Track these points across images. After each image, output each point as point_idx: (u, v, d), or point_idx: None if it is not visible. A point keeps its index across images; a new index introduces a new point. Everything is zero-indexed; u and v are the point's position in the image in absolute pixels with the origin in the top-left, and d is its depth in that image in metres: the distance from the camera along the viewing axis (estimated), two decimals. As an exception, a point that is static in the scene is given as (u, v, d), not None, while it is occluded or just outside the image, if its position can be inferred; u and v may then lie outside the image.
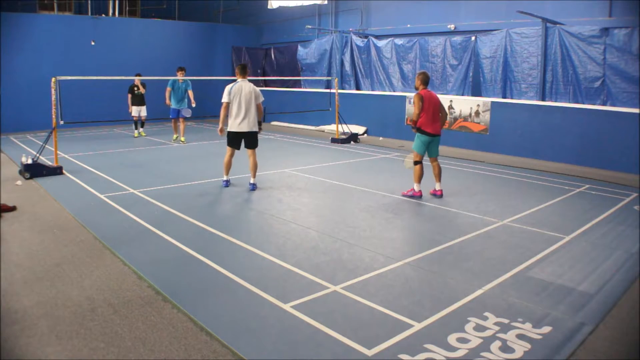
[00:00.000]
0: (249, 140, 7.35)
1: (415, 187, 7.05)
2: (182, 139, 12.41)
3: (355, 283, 4.12)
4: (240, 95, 7.13)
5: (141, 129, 13.72)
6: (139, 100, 12.95)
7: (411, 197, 7.06)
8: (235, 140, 7.34)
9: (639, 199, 7.30)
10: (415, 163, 7.01)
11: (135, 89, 12.88)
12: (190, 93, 12.20)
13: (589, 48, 10.25)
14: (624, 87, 9.89)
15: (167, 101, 12.02)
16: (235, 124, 7.22)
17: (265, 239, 5.33)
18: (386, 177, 8.56)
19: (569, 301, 3.88)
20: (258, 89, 7.37)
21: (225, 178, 7.67)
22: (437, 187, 7.20)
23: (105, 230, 5.44)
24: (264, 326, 3.42)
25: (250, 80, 7.41)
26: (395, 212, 6.43)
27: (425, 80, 6.94)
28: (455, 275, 4.34)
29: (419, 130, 6.94)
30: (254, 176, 7.47)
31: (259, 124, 7.48)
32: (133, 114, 13.00)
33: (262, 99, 7.38)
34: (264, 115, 18.83)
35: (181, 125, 12.39)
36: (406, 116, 13.38)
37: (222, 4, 19.84)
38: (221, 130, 7.52)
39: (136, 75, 12.65)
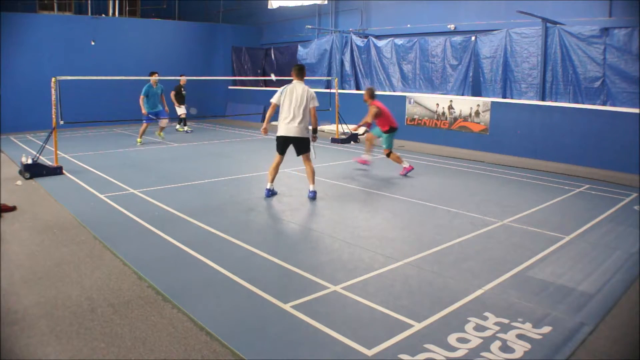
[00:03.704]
0: (299, 146, 6.77)
1: (405, 164, 8.52)
2: (162, 134, 12.82)
3: (355, 283, 4.12)
4: (291, 97, 6.60)
5: (186, 127, 14.59)
6: (183, 98, 13.92)
7: (408, 172, 8.49)
8: (281, 145, 6.79)
9: (639, 199, 7.29)
10: (388, 155, 8.65)
11: (182, 89, 13.84)
12: (162, 97, 12.26)
13: (589, 48, 10.24)
14: (624, 87, 9.88)
15: (143, 110, 11.72)
16: (283, 128, 6.69)
17: (265, 239, 5.33)
18: (385, 178, 8.56)
19: (569, 301, 3.88)
20: (314, 91, 6.81)
21: (268, 186, 6.92)
22: (375, 153, 9.39)
23: (105, 230, 5.44)
24: (264, 326, 3.42)
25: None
26: (395, 212, 6.43)
27: (373, 95, 8.70)
28: (455, 275, 4.34)
29: (391, 129, 8.63)
30: (312, 182, 6.87)
31: (314, 131, 6.86)
32: (180, 112, 13.97)
33: (316, 103, 6.75)
34: (265, 115, 18.69)
35: (162, 123, 12.59)
36: (406, 116, 13.40)
37: (222, 4, 19.85)
38: (264, 130, 6.92)
39: (181, 75, 13.70)
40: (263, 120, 17.37)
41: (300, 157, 6.96)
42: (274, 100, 6.71)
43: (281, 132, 6.73)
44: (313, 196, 6.88)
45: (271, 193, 6.96)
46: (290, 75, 7.03)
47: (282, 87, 6.77)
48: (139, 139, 12.11)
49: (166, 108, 12.38)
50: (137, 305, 3.69)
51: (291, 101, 6.62)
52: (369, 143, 9.21)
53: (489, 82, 12.07)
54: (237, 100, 18.87)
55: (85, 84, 13.72)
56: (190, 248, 4.88)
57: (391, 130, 8.65)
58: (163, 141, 12.54)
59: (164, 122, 12.56)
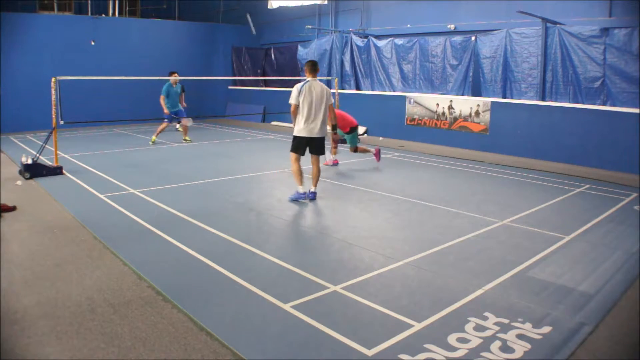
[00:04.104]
0: (316, 146, 6.68)
1: (372, 150, 9.48)
2: (188, 138, 12.54)
3: (355, 283, 4.12)
4: (311, 96, 6.43)
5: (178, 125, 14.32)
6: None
7: (379, 155, 9.42)
8: (301, 145, 6.64)
9: (639, 199, 7.30)
10: (355, 150, 9.41)
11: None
12: (182, 95, 12.38)
13: (589, 48, 10.24)
14: (624, 87, 9.87)
15: (165, 109, 11.85)
16: (305, 128, 6.51)
17: (265, 239, 5.33)
18: (386, 177, 8.56)
19: (569, 301, 3.88)
20: (329, 89, 6.73)
21: (301, 190, 6.70)
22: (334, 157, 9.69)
23: (105, 230, 5.44)
24: (264, 326, 3.42)
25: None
26: (395, 212, 6.43)
27: None
28: (455, 275, 4.34)
29: (351, 130, 9.19)
30: (315, 184, 6.85)
31: (334, 127, 6.96)
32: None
33: (332, 99, 6.71)
34: (265, 115, 18.74)
35: (184, 125, 12.57)
36: (406, 116, 13.39)
37: (222, 4, 19.84)
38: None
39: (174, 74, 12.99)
40: (263, 121, 17.52)
41: (307, 157, 6.88)
42: (293, 101, 6.49)
43: (304, 133, 6.55)
44: (313, 197, 6.85)
45: (306, 196, 6.76)
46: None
47: (299, 86, 6.52)
48: (153, 137, 12.15)
49: (184, 103, 12.51)
50: (137, 305, 3.69)
51: (311, 100, 6.46)
52: (335, 144, 9.68)
53: (489, 82, 12.07)
54: (237, 100, 18.88)
55: (86, 84, 13.73)
56: (190, 248, 4.88)
57: (352, 131, 9.14)
58: (163, 141, 12.55)
59: (186, 121, 12.53)
